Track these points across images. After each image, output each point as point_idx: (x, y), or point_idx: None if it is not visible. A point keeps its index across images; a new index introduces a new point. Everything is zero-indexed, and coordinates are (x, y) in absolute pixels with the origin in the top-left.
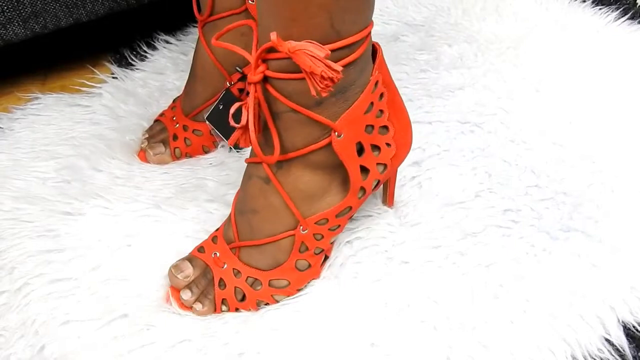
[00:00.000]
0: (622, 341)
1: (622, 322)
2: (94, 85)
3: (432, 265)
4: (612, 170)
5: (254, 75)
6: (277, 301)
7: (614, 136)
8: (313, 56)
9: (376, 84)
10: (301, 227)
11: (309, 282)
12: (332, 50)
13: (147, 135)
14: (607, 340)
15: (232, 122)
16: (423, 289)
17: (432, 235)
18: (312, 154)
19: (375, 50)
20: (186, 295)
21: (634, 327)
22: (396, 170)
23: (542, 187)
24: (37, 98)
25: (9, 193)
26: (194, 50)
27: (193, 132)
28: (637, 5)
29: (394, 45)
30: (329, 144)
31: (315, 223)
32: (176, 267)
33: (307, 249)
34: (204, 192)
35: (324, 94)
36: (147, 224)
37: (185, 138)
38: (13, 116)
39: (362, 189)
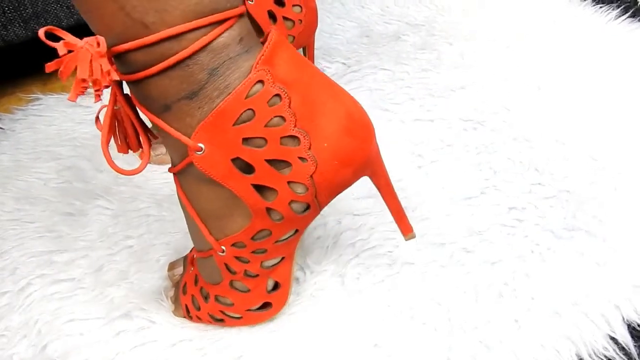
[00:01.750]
0: (627, 339)
1: (627, 320)
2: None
3: (435, 264)
4: (614, 168)
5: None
6: (232, 318)
7: (616, 134)
8: (84, 54)
9: (261, 83)
10: (220, 248)
11: (261, 305)
12: (145, 47)
13: None
14: (612, 338)
15: (97, 125)
16: (426, 289)
17: (437, 232)
18: (192, 168)
19: (265, 41)
20: (170, 292)
21: (638, 325)
22: (391, 192)
23: (545, 185)
24: (38, 99)
25: (10, 194)
26: None
27: None
28: (638, 4)
29: (395, 44)
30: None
31: (232, 245)
32: (170, 265)
33: (235, 271)
34: None
35: (95, 100)
36: (148, 223)
37: None
38: (14, 117)
39: (273, 210)
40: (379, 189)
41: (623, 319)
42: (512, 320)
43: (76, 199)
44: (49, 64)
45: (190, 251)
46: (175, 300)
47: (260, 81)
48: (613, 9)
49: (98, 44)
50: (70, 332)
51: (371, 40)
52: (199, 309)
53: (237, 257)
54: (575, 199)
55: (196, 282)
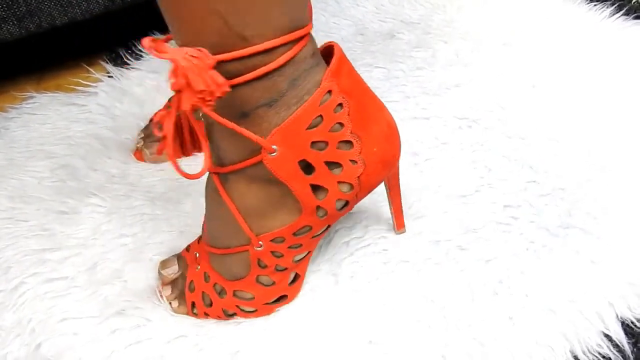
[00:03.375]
0: (620, 336)
1: (621, 317)
2: (90, 85)
3: (430, 262)
4: (609, 165)
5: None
6: (245, 312)
7: (610, 131)
8: (189, 64)
9: (329, 93)
10: (257, 244)
11: (278, 297)
12: (241, 59)
13: (142, 135)
14: (605, 335)
15: (155, 132)
16: (421, 287)
17: (433, 230)
18: (251, 169)
19: (331, 55)
20: (166, 291)
21: (632, 322)
22: (397, 191)
23: (540, 182)
24: (32, 97)
25: (4, 192)
26: None
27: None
28: (632, 2)
29: (390, 42)
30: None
31: (271, 240)
32: (163, 263)
33: (266, 265)
34: (199, 188)
35: (204, 110)
36: (142, 221)
37: None
38: (8, 115)
39: (321, 208)
40: (390, 187)
41: (617, 316)
42: (507, 317)
43: (70, 198)
44: (172, 83)
45: (187, 249)
46: (177, 298)
47: (329, 91)
48: (607, 7)
49: (199, 56)
50: (64, 331)
51: (366, 39)
52: (210, 305)
53: (272, 252)
54: (570, 197)
55: (206, 279)
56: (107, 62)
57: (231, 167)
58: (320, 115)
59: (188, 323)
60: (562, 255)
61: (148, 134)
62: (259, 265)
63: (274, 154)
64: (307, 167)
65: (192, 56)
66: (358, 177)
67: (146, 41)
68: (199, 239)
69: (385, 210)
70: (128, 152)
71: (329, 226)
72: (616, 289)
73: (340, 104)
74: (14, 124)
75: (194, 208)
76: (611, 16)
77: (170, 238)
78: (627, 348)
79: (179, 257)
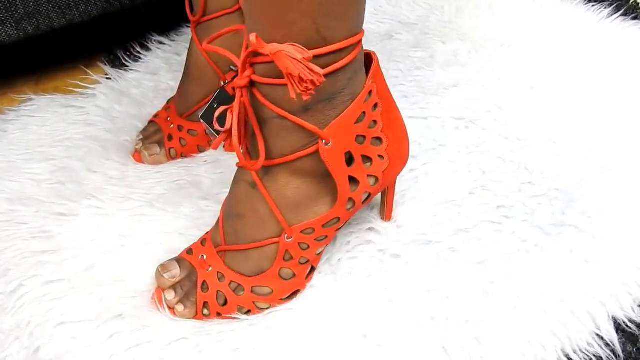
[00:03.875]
0: (612, 336)
1: (613, 317)
2: (88, 87)
3: (424, 261)
4: (605, 166)
5: (240, 80)
6: (259, 309)
7: (607, 132)
8: (293, 58)
9: (370, 93)
10: (286, 235)
11: (292, 293)
12: (318, 56)
13: (141, 137)
14: (597, 335)
15: (216, 126)
16: (416, 284)
17: (425, 231)
18: (299, 161)
19: (370, 60)
20: (170, 295)
21: (623, 322)
22: (394, 184)
23: (535, 183)
24: (30, 99)
25: (3, 195)
26: (187, 50)
27: (188, 132)
28: (630, 2)
29: (388, 43)
30: (316, 152)
31: (300, 232)
32: (163, 267)
33: (291, 257)
34: (198, 189)
35: (305, 98)
36: (140, 222)
37: (180, 138)
38: (6, 118)
39: (351, 200)
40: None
41: (609, 316)
42: (500, 317)
43: (69, 200)
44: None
45: (188, 252)
46: (182, 301)
47: (370, 91)
48: (605, 8)
49: (301, 51)
50: (62, 334)
51: (364, 39)
52: (224, 304)
53: (299, 244)
54: (565, 197)
55: (221, 278)
56: (105, 64)
57: (280, 159)
58: (364, 112)
59: (187, 325)
60: (554, 255)
61: (147, 136)
62: (284, 258)
63: (329, 144)
64: (349, 160)
65: (297, 51)
66: (383, 171)
67: (252, 36)
68: (202, 241)
69: (380, 209)
70: (127, 153)
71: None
72: (608, 289)
73: (376, 104)
74: (12, 127)
75: (192, 210)
76: (609, 17)
77: (168, 239)
78: (619, 347)
79: (178, 260)
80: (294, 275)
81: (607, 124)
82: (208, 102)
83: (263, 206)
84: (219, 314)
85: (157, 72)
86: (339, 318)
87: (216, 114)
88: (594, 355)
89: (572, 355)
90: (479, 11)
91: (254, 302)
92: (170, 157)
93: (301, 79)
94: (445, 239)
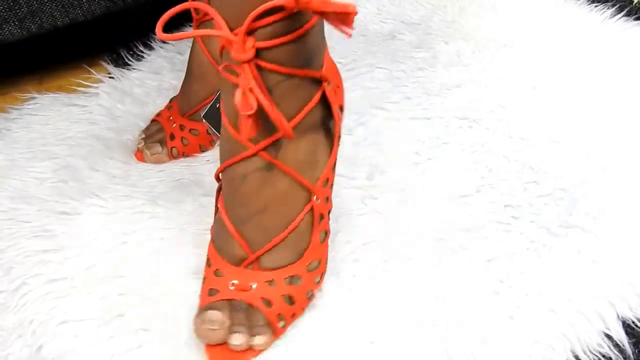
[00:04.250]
0: (621, 336)
1: (621, 317)
2: (91, 85)
3: (431, 261)
4: (609, 166)
5: (244, 53)
6: (316, 283)
7: (610, 132)
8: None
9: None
10: (315, 197)
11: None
12: None
13: (143, 136)
14: (606, 335)
15: (242, 113)
16: (422, 286)
17: (433, 229)
18: (306, 117)
19: None
20: (237, 340)
21: (632, 322)
22: None
23: (540, 183)
24: (33, 98)
25: (6, 193)
26: (190, 49)
27: (190, 131)
28: (633, 3)
29: (391, 43)
30: (320, 100)
31: (322, 187)
32: (204, 321)
33: (322, 217)
34: (200, 187)
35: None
36: (143, 220)
37: (182, 137)
38: (10, 116)
39: (339, 137)
40: None
41: (617, 316)
42: (507, 316)
43: (71, 198)
44: None
45: (211, 294)
46: (256, 332)
47: None
48: (608, 8)
49: None
50: (65, 333)
51: (367, 39)
52: (293, 302)
53: (324, 199)
54: (570, 197)
55: (272, 283)
56: (108, 63)
57: (292, 123)
58: None
59: (189, 328)
60: (562, 255)
61: (149, 135)
62: (319, 222)
63: (330, 84)
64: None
65: None
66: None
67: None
68: (216, 272)
69: (384, 209)
70: (129, 152)
71: None
72: (617, 289)
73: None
74: (15, 125)
75: (195, 207)
76: (612, 17)
77: (170, 235)
78: (628, 348)
79: (209, 307)
80: (326, 234)
81: (609, 123)
82: (210, 101)
83: (284, 183)
84: (294, 315)
85: (159, 71)
86: (344, 324)
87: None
88: (604, 356)
89: (581, 356)
90: (482, 11)
91: (312, 281)
92: (172, 157)
93: (347, 13)
94: (452, 238)
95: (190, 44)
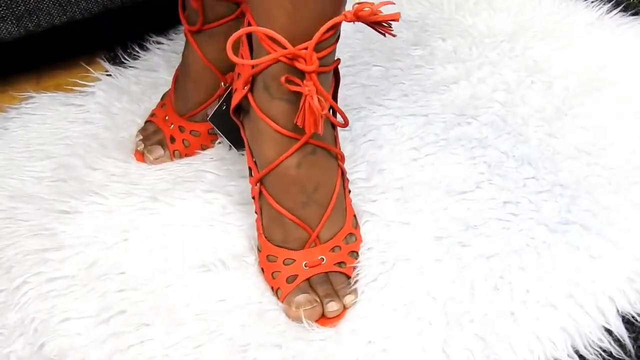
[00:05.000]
0: (621, 331)
1: (621, 312)
2: (87, 84)
3: (431, 258)
4: (607, 162)
5: (312, 65)
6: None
7: (608, 128)
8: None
9: None
10: (338, 157)
11: None
12: None
13: (141, 137)
14: (606, 330)
15: (321, 113)
16: (422, 283)
17: (433, 226)
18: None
19: None
20: (333, 307)
21: (632, 317)
22: None
23: (539, 179)
24: (31, 97)
25: (4, 192)
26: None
27: (191, 132)
28: None
29: (388, 41)
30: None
31: (340, 148)
32: (299, 306)
33: (344, 173)
34: (202, 183)
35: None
36: (143, 217)
37: (183, 140)
38: (7, 115)
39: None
40: None
41: (617, 310)
42: (508, 312)
43: (70, 197)
44: None
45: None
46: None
47: None
48: (604, 4)
49: None
50: (66, 331)
51: (365, 36)
52: (357, 257)
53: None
54: (569, 193)
55: (334, 249)
56: (104, 62)
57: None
58: None
59: (191, 323)
60: (562, 251)
61: (146, 136)
62: (343, 177)
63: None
64: None
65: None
66: None
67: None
68: (290, 278)
69: (382, 207)
70: (127, 151)
71: None
72: (616, 284)
73: None
74: (13, 124)
75: (197, 203)
76: (608, 13)
77: (171, 231)
78: (628, 342)
79: (303, 287)
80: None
81: (607, 119)
82: (210, 103)
83: (325, 159)
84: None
85: (155, 69)
86: (343, 323)
87: (209, 112)
88: (604, 351)
89: (582, 351)
90: (479, 8)
91: (360, 234)
92: (174, 158)
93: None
94: (451, 235)
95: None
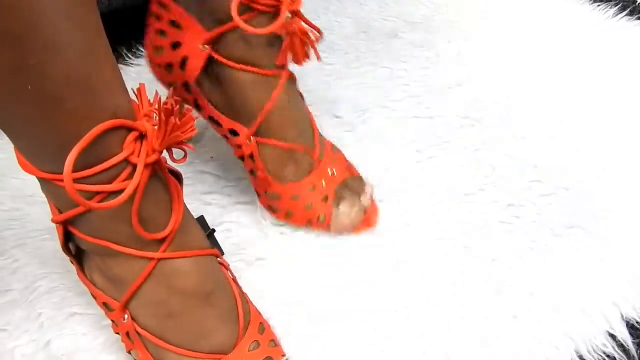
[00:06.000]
0: (625, 336)
1: (626, 317)
2: None
3: (434, 261)
4: (612, 165)
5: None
6: None
7: (613, 131)
8: None
9: None
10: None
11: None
12: None
13: None
14: (610, 335)
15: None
16: (424, 285)
17: (436, 229)
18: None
19: None
20: (366, 198)
21: (637, 322)
22: None
23: (543, 182)
24: None
25: (7, 193)
26: None
27: None
28: (637, 2)
29: (393, 42)
30: None
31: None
32: (337, 217)
33: None
34: (202, 184)
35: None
36: None
37: None
38: None
39: None
40: None
41: (622, 316)
42: (511, 316)
43: None
44: None
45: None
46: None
47: None
48: (611, 7)
49: None
50: (73, 330)
51: (369, 37)
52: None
53: None
54: (574, 197)
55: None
56: None
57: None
58: None
59: None
60: (565, 255)
61: None
62: None
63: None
64: None
65: None
66: None
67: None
68: (296, 196)
69: (386, 209)
70: None
71: None
72: (621, 289)
73: None
74: None
75: (196, 203)
76: (615, 16)
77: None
78: (632, 348)
79: (332, 203)
80: None
81: (613, 122)
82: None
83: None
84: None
85: None
86: (343, 325)
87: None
88: (608, 356)
89: (586, 356)
90: (484, 10)
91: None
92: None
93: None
94: (454, 237)
95: None
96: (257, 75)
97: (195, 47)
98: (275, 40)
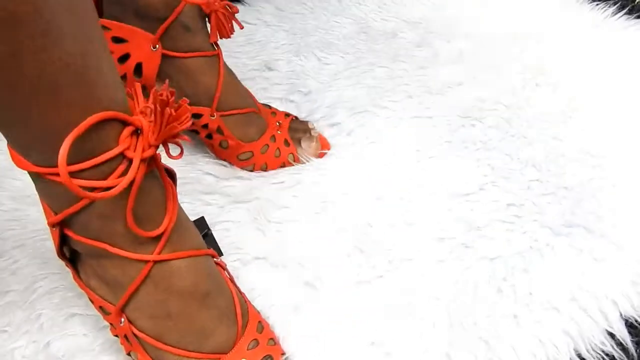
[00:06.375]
0: (624, 334)
1: (624, 316)
2: None
3: (434, 260)
4: (612, 164)
5: None
6: None
7: (613, 130)
8: None
9: None
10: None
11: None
12: None
13: None
14: (609, 334)
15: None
16: (425, 285)
17: (437, 228)
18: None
19: None
20: (315, 131)
21: (635, 321)
22: None
23: (543, 181)
24: None
25: (7, 193)
26: None
27: None
28: (635, 1)
29: (393, 42)
30: None
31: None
32: (303, 150)
33: None
34: (200, 184)
35: None
36: None
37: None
38: None
39: None
40: None
41: (620, 314)
42: (511, 315)
43: None
44: None
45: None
46: None
47: None
48: (609, 6)
49: None
50: (73, 331)
51: (369, 37)
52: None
53: None
54: (573, 196)
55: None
56: None
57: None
58: None
59: None
60: (565, 254)
61: None
62: None
63: None
64: None
65: None
66: None
67: None
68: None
69: (386, 208)
70: None
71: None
72: (619, 287)
73: None
74: None
75: (195, 203)
76: (613, 15)
77: None
78: (631, 346)
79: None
80: None
81: (612, 121)
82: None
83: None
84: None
85: None
86: (345, 324)
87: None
88: (607, 355)
89: (584, 354)
90: (483, 9)
91: None
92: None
93: None
94: (454, 237)
95: None
96: (203, 59)
97: (146, 51)
98: (204, 22)
